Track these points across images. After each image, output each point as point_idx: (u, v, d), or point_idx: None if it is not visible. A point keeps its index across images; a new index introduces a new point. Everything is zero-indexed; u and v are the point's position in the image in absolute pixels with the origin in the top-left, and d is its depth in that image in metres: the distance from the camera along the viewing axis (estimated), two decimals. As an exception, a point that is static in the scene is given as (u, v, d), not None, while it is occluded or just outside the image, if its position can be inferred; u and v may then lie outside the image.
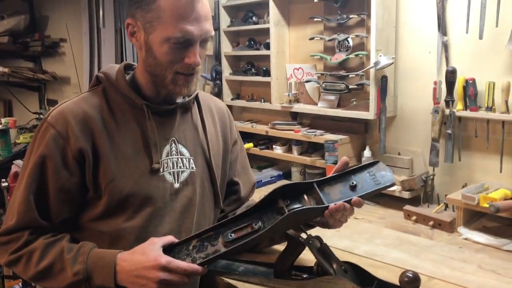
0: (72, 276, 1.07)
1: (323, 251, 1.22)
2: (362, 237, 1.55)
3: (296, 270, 1.27)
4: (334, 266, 1.20)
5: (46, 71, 4.33)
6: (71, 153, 1.11)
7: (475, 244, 1.48)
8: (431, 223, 1.61)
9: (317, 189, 1.13)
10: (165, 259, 1.05)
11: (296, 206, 1.11)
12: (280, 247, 1.32)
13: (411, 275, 1.11)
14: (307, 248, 1.20)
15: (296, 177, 2.25)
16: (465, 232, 1.53)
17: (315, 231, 1.35)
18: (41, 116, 4.00)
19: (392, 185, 1.12)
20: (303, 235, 1.24)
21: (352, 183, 1.12)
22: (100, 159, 1.13)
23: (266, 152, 2.35)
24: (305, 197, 1.14)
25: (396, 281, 1.18)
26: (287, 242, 1.24)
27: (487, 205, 1.46)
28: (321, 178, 1.17)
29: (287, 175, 2.32)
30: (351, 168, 1.16)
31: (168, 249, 1.10)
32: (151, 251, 1.06)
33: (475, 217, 1.62)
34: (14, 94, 4.62)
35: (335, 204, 1.08)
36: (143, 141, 1.18)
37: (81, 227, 1.18)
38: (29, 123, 3.94)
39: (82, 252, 1.09)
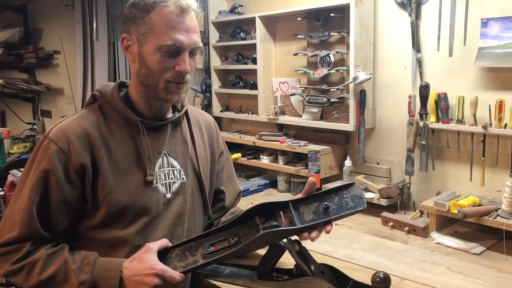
0: (78, 285, 1.13)
1: (302, 254, 1.31)
2: (341, 242, 1.65)
3: (277, 272, 1.36)
4: (312, 268, 1.30)
5: (40, 82, 4.41)
6: (72, 168, 1.18)
7: (446, 248, 1.58)
8: (406, 228, 1.72)
9: (292, 208, 1.20)
10: (161, 267, 1.15)
11: (272, 224, 1.18)
12: (262, 251, 1.41)
13: (382, 276, 1.21)
14: (287, 251, 1.30)
15: (282, 186, 2.35)
16: (437, 237, 1.64)
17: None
18: (35, 126, 4.07)
19: (364, 209, 1.18)
20: (284, 240, 1.33)
21: (325, 205, 1.17)
22: (99, 173, 1.21)
23: (253, 162, 2.45)
24: (281, 214, 1.21)
25: (370, 282, 1.28)
26: (269, 246, 1.34)
27: (456, 211, 1.57)
28: (296, 198, 1.23)
29: (273, 183, 2.42)
30: (328, 189, 1.22)
31: (158, 254, 1.19)
32: (148, 260, 1.15)
33: (447, 223, 1.73)
34: (8, 105, 4.70)
35: (305, 232, 1.17)
36: (137, 155, 1.26)
37: (78, 236, 1.26)
38: (23, 133, 4.02)
39: (87, 263, 1.16)
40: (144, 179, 1.25)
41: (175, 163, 1.33)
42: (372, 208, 1.94)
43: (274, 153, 2.39)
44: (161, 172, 1.30)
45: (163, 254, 1.21)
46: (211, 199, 1.46)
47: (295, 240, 1.34)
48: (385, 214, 1.81)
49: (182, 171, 1.34)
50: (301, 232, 1.18)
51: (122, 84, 1.33)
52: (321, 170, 2.10)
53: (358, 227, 1.81)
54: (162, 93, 1.23)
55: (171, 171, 1.32)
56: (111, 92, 1.28)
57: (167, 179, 1.31)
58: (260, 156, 2.43)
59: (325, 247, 1.60)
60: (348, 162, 2.08)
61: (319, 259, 1.34)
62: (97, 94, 1.29)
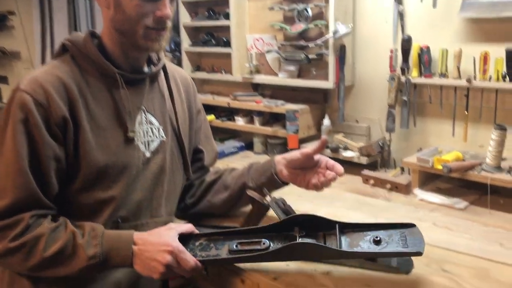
0: (87, 260, 1.04)
1: (286, 212, 1.25)
2: (323, 201, 1.59)
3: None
4: None
5: (-7, 45, 4.12)
6: (54, 122, 1.06)
7: (430, 204, 1.55)
8: (388, 186, 1.68)
9: (337, 230, 1.11)
10: (178, 247, 1.06)
11: (310, 240, 1.09)
12: (245, 210, 1.34)
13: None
14: (271, 210, 1.23)
15: (258, 148, 2.27)
16: (420, 193, 1.61)
17: (278, 193, 1.39)
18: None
19: (419, 254, 1.03)
20: (268, 198, 1.26)
21: (377, 237, 1.06)
22: (79, 129, 1.09)
23: (228, 124, 2.35)
24: (323, 234, 1.13)
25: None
26: (252, 205, 1.26)
27: (440, 167, 1.53)
28: (346, 222, 1.14)
29: (249, 146, 2.34)
30: (382, 223, 1.14)
31: (180, 238, 1.11)
32: (166, 236, 1.07)
33: (430, 179, 1.70)
34: (-40, 71, 4.39)
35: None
36: (116, 110, 1.16)
37: (61, 202, 1.13)
38: (-22, 100, 3.76)
39: (94, 235, 1.06)
40: (125, 136, 1.15)
41: (153, 120, 1.24)
42: (352, 167, 1.89)
43: (249, 114, 2.30)
44: (140, 129, 1.20)
45: (186, 240, 1.13)
46: (190, 159, 1.38)
47: (279, 198, 1.27)
48: (365, 172, 1.77)
49: (161, 129, 1.25)
50: (344, 257, 1.09)
51: (93, 35, 1.20)
52: (299, 130, 2.02)
53: (339, 185, 1.75)
54: (141, 41, 1.11)
55: (149, 128, 1.22)
56: (83, 41, 1.14)
57: (146, 137, 1.21)
58: (235, 118, 2.33)
59: (307, 206, 1.54)
60: (326, 121, 2.02)
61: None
62: (68, 43, 1.15)
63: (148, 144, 1.22)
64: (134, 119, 1.19)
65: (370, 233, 1.10)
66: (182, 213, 1.46)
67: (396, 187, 1.66)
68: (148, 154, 1.21)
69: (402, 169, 1.79)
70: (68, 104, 1.08)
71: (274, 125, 2.19)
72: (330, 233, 1.12)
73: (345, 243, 1.09)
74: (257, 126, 2.23)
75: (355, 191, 1.70)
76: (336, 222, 1.13)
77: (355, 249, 1.07)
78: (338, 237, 1.09)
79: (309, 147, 1.30)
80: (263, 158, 2.18)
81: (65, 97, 1.08)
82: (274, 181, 1.34)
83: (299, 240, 1.09)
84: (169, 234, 1.09)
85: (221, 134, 2.46)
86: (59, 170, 1.09)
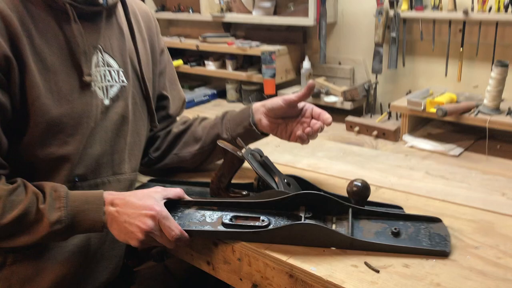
0: (50, 225, 0.88)
1: (263, 165, 1.08)
2: (303, 151, 1.43)
3: (235, 187, 1.13)
4: (276, 180, 1.08)
5: None
6: None
7: (421, 152, 1.41)
8: (374, 133, 1.52)
9: (350, 216, 0.95)
10: (162, 212, 0.92)
11: (317, 223, 0.93)
12: (218, 164, 1.17)
13: (359, 184, 1.00)
14: (246, 163, 1.07)
15: (232, 95, 2.07)
16: (410, 140, 1.46)
17: (254, 144, 1.22)
18: None
19: (445, 255, 0.88)
20: (243, 150, 1.10)
21: (396, 228, 0.92)
22: (25, 70, 0.89)
23: (197, 70, 2.14)
24: (333, 219, 0.97)
25: (343, 193, 1.08)
26: (224, 157, 1.09)
27: (434, 110, 1.38)
28: (360, 207, 0.98)
29: (222, 93, 2.14)
30: (403, 213, 0.97)
31: (167, 204, 0.96)
32: (149, 199, 0.94)
33: (420, 124, 1.55)
34: None
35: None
36: (68, 49, 0.96)
37: (12, 160, 0.94)
38: None
39: (57, 197, 0.90)
40: (80, 81, 0.97)
41: (111, 61, 1.05)
42: (335, 113, 1.72)
43: (221, 58, 2.08)
44: (97, 72, 1.01)
45: (174, 207, 0.99)
46: (154, 107, 1.20)
47: (255, 149, 1.10)
48: (350, 118, 1.61)
49: (120, 72, 1.07)
50: (355, 247, 0.91)
51: None
52: (277, 74, 1.83)
53: (321, 134, 1.58)
54: None
55: (107, 71, 1.04)
56: None
57: (103, 81, 1.03)
58: (205, 63, 2.12)
59: (286, 157, 1.38)
60: (306, 64, 1.83)
61: (282, 170, 1.12)
62: None
63: (107, 90, 1.04)
64: (90, 60, 0.99)
65: (388, 222, 0.95)
66: (147, 168, 1.28)
67: (383, 134, 1.51)
68: (107, 102, 1.03)
69: (390, 114, 1.63)
70: (9, 41, 0.88)
71: (249, 69, 1.99)
72: (341, 217, 0.97)
73: (358, 231, 0.94)
74: (229, 71, 2.02)
75: (339, 139, 1.54)
76: (349, 205, 0.97)
77: (370, 239, 0.91)
78: (350, 223, 0.94)
79: (292, 94, 1.13)
80: (237, 107, 1.99)
81: (5, 33, 0.87)
82: (252, 132, 1.17)
83: (292, 222, 0.94)
84: (153, 196, 0.95)
85: (191, 81, 2.25)
86: (5, 120, 0.90)
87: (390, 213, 0.97)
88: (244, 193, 1.12)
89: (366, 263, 0.89)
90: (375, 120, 1.60)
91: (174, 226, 0.92)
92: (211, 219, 0.99)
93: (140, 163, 1.24)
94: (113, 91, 1.05)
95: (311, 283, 0.88)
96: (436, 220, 0.95)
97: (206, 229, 0.97)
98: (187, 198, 1.03)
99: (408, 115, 1.47)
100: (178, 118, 1.33)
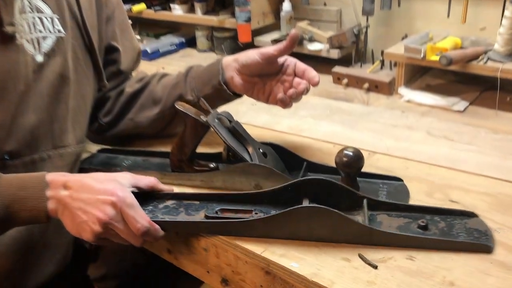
0: None
1: (233, 132, 0.88)
2: (283, 110, 1.21)
3: (200, 158, 0.94)
4: (250, 150, 0.88)
5: None
6: None
7: (420, 107, 1.21)
8: (366, 85, 1.32)
9: (366, 208, 0.76)
10: (126, 198, 0.73)
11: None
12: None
13: (351, 154, 0.81)
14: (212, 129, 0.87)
15: (202, 44, 1.83)
16: (406, 93, 1.26)
17: (223, 107, 1.01)
18: None
19: (489, 250, 0.70)
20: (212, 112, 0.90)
21: (423, 221, 0.73)
22: None
23: (162, 15, 1.88)
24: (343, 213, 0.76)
25: (330, 162, 0.89)
26: (185, 122, 0.89)
27: (436, 58, 1.17)
28: (377, 199, 0.78)
29: (191, 42, 1.90)
30: (430, 206, 0.78)
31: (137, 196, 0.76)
32: (112, 182, 0.75)
33: (417, 75, 1.35)
34: None
35: None
36: None
37: None
38: None
39: None
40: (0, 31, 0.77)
41: (42, 5, 0.83)
42: (320, 63, 1.51)
43: (189, 1, 1.82)
44: (22, 20, 0.79)
45: (146, 200, 0.82)
46: (102, 62, 0.99)
47: (224, 113, 0.90)
48: (337, 69, 1.39)
49: (55, 19, 0.85)
50: (376, 242, 0.72)
51: None
52: (252, 18, 1.59)
53: (304, 88, 1.38)
54: None
55: (37, 19, 0.82)
56: None
57: (33, 32, 0.81)
58: (171, 6, 1.85)
59: (263, 118, 1.18)
60: (286, 5, 1.58)
61: (256, 135, 0.92)
62: None
63: (39, 43, 0.82)
64: (11, 4, 0.78)
65: (411, 216, 0.76)
66: (97, 136, 1.08)
67: (376, 87, 1.31)
68: (40, 58, 0.83)
69: (383, 63, 1.43)
70: None
71: (221, 13, 1.73)
72: (354, 212, 0.77)
73: (376, 225, 0.75)
74: (199, 16, 1.77)
75: (325, 94, 1.33)
76: (363, 196, 0.77)
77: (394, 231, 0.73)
78: (366, 216, 0.75)
79: (271, 46, 0.92)
80: (210, 57, 1.76)
81: None
82: (223, 93, 0.97)
83: (297, 205, 0.74)
84: (118, 180, 0.76)
85: (156, 29, 2.00)
86: None
87: (415, 206, 0.78)
88: (211, 165, 0.92)
89: (361, 256, 0.71)
90: (366, 71, 1.40)
91: (141, 216, 0.73)
92: (190, 214, 0.80)
93: (89, 129, 1.04)
94: (47, 44, 0.84)
95: (293, 282, 0.70)
96: (470, 215, 0.76)
97: (183, 220, 0.78)
98: (163, 188, 0.84)
99: (404, 64, 1.26)
100: (133, 74, 1.11)
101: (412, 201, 0.83)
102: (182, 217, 0.79)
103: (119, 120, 1.05)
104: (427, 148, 1.00)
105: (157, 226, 0.75)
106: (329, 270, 0.69)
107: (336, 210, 0.72)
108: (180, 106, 0.88)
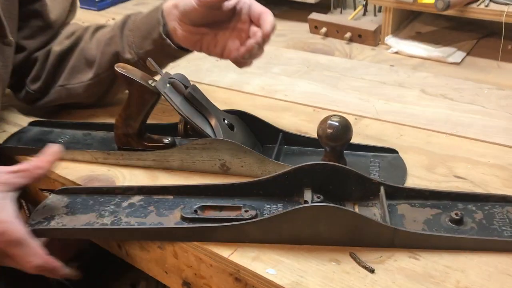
0: None
1: (190, 99, 0.71)
2: (253, 66, 1.04)
3: (152, 132, 0.77)
4: (212, 122, 0.71)
5: None
6: None
7: (410, 59, 1.05)
8: (347, 35, 1.14)
9: (384, 197, 0.60)
10: (13, 234, 0.57)
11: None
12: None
13: (336, 124, 0.65)
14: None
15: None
16: (395, 43, 1.09)
17: (177, 68, 0.84)
18: None
19: None
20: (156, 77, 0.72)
21: (457, 213, 0.57)
22: None
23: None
24: (355, 206, 0.62)
25: (311, 131, 0.73)
26: (128, 89, 0.71)
27: (430, 1, 1.00)
28: (394, 184, 0.62)
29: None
30: (461, 192, 0.62)
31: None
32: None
33: (405, 22, 1.18)
34: None
35: None
36: None
37: None
38: None
39: None
40: None
41: None
42: (294, 10, 1.32)
43: None
44: None
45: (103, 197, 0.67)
46: (15, 14, 0.78)
47: (177, 76, 0.73)
48: (314, 16, 1.20)
49: None
50: (400, 244, 0.57)
51: None
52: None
53: (276, 39, 1.19)
54: None
55: None
56: None
57: None
58: None
59: (230, 77, 1.00)
60: None
61: (223, 99, 0.75)
62: None
63: None
64: None
65: (440, 206, 0.61)
66: (29, 105, 0.89)
67: (359, 36, 1.13)
68: None
69: (365, 8, 1.24)
70: None
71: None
72: (368, 203, 0.62)
73: (397, 220, 0.59)
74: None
75: (300, 46, 1.15)
76: (380, 183, 0.61)
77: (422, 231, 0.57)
78: (385, 208, 0.59)
79: None
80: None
81: None
82: (167, 47, 0.78)
83: (305, 204, 0.59)
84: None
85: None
86: None
87: (442, 193, 0.62)
88: (166, 141, 0.76)
89: (353, 256, 0.57)
90: (347, 18, 1.21)
91: (34, 252, 0.57)
92: (163, 215, 0.63)
93: (17, 97, 0.85)
94: None
95: (269, 292, 0.56)
96: (510, 200, 0.61)
97: (155, 225, 0.61)
98: (43, 164, 0.63)
99: (392, 9, 1.08)
100: (64, 30, 0.89)
101: (411, 178, 0.69)
102: (152, 219, 0.62)
103: (49, 87, 0.86)
104: (422, 110, 0.85)
105: (55, 264, 0.59)
106: (314, 277, 0.54)
107: (356, 211, 0.57)
108: (121, 68, 0.70)
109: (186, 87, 0.71)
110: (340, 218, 0.56)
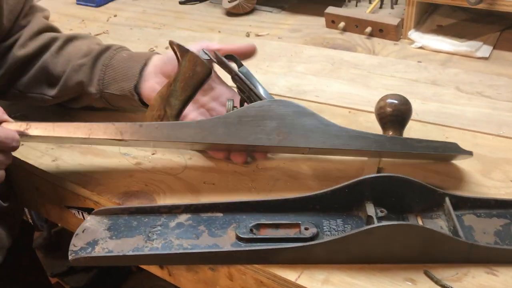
0: None
1: (245, 75, 0.70)
2: (275, 63, 1.00)
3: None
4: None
5: None
6: None
7: (437, 54, 1.02)
8: (368, 29, 1.10)
9: (450, 207, 0.57)
10: None
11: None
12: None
13: (396, 101, 0.67)
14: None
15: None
16: (418, 37, 1.06)
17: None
18: None
19: None
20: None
21: None
22: None
23: None
24: (419, 217, 0.59)
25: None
26: (180, 63, 0.69)
27: (458, -8, 0.97)
28: (462, 194, 0.60)
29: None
30: None
31: None
32: None
33: (424, 15, 1.15)
34: None
35: None
36: None
37: None
38: None
39: None
40: None
41: None
42: (307, 3, 1.28)
43: None
44: None
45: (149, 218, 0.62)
46: None
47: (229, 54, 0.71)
48: (331, 10, 1.16)
49: None
50: (475, 260, 0.54)
51: None
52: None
53: (292, 35, 1.15)
54: None
55: None
56: None
57: None
58: None
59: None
60: None
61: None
62: None
63: None
64: None
65: (507, 212, 0.58)
66: None
67: (380, 31, 1.10)
68: None
69: (382, 1, 1.21)
70: None
71: None
72: (431, 215, 0.59)
73: (467, 233, 0.56)
74: None
75: (319, 42, 1.11)
76: (444, 193, 0.58)
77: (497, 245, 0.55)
78: (455, 222, 0.55)
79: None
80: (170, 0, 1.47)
81: None
82: (131, 101, 0.77)
83: (379, 223, 0.54)
84: None
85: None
86: None
87: (508, 201, 0.59)
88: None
89: (428, 274, 0.54)
90: (364, 11, 1.18)
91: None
92: (215, 235, 0.58)
93: None
94: None
95: (343, 318, 0.52)
96: None
97: (211, 249, 0.56)
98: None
99: (415, 2, 1.05)
100: (27, 30, 0.81)
101: (465, 184, 0.66)
102: (206, 240, 0.57)
103: (5, 89, 0.82)
104: (462, 109, 0.82)
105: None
106: (391, 299, 0.51)
107: (437, 230, 0.54)
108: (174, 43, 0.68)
109: (239, 66, 0.70)
110: (416, 236, 0.53)
